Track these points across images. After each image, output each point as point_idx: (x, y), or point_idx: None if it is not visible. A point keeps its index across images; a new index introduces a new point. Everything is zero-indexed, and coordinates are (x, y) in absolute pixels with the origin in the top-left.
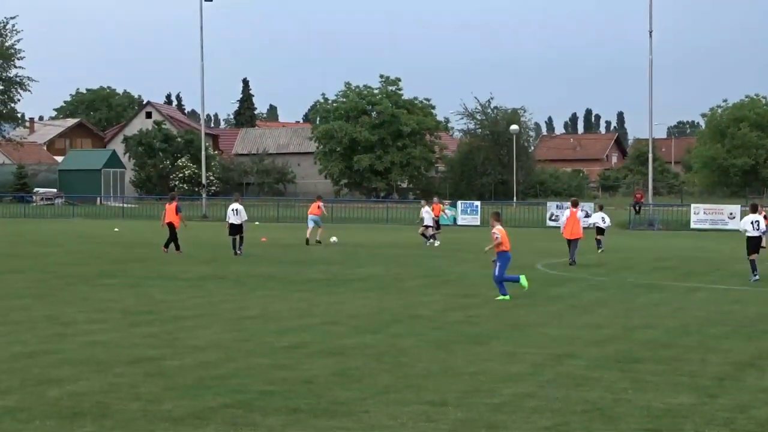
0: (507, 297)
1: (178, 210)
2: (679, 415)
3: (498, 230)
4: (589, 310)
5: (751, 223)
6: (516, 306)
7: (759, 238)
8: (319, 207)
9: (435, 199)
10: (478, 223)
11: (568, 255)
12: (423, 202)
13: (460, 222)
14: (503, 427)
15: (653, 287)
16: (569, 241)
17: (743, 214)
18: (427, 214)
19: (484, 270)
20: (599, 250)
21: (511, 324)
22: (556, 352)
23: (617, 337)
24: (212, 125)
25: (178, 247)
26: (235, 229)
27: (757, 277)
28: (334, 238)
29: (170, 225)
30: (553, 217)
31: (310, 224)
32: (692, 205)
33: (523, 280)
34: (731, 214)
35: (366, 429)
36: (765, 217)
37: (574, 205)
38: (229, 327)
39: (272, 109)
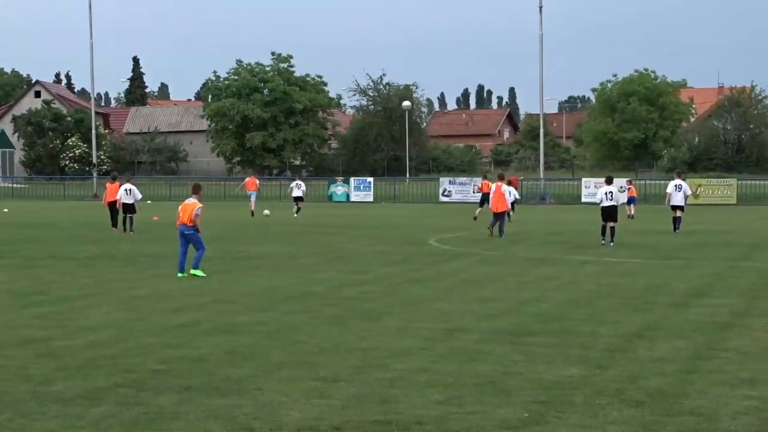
0: None
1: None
2: (570, 387)
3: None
4: (481, 284)
5: (605, 194)
6: (408, 281)
7: (613, 207)
8: (255, 183)
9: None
10: (371, 200)
11: (490, 224)
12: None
13: (353, 198)
14: (396, 401)
15: (544, 261)
16: (494, 214)
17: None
18: (297, 188)
19: (378, 246)
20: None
21: (404, 299)
22: (449, 327)
23: (509, 310)
24: (103, 104)
25: (115, 225)
26: (128, 209)
27: (611, 243)
28: (266, 211)
29: (111, 204)
30: (446, 193)
31: (253, 198)
32: (583, 179)
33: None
34: (622, 187)
35: (259, 406)
36: (629, 190)
37: (500, 179)
38: (121, 307)
39: (163, 87)
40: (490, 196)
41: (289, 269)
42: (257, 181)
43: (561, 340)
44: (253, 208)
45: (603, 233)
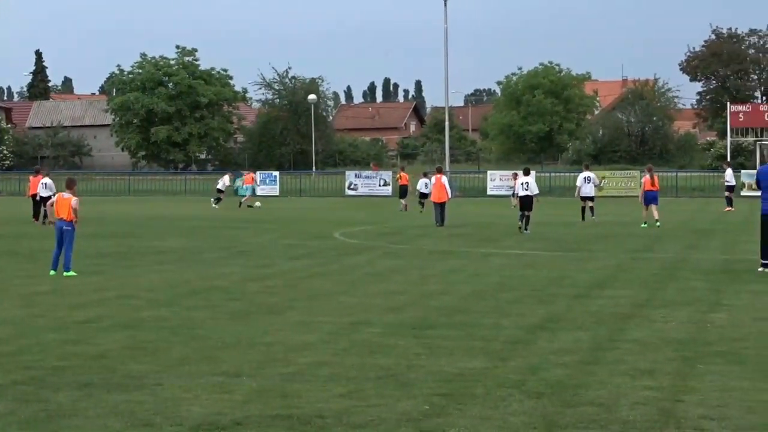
0: None
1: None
2: (471, 379)
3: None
4: (385, 277)
5: (521, 184)
6: (312, 275)
7: (528, 197)
8: (252, 178)
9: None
10: (277, 194)
11: (434, 217)
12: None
13: (259, 192)
14: (297, 395)
15: (449, 254)
16: (435, 204)
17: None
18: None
19: (283, 240)
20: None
21: (307, 293)
22: (352, 320)
23: (412, 303)
24: (5, 98)
25: (36, 217)
26: (45, 201)
27: (526, 230)
28: (258, 203)
29: (34, 197)
30: (352, 186)
31: (248, 192)
32: (489, 172)
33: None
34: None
35: (159, 402)
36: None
37: (439, 171)
38: (21, 303)
39: (67, 81)
40: (431, 187)
41: (193, 264)
42: (255, 177)
43: (464, 333)
44: (244, 200)
45: (521, 220)
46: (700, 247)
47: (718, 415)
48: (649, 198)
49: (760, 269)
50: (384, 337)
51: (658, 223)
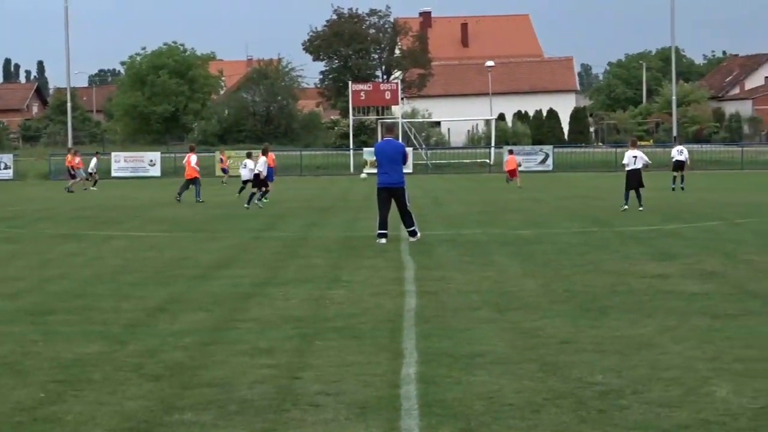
0: None
1: None
2: (89, 364)
3: None
4: (2, 263)
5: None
6: None
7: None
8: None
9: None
10: None
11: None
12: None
13: None
14: None
15: (70, 237)
16: (187, 182)
17: (163, 161)
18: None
19: None
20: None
21: None
22: None
23: (30, 289)
24: None
25: None
26: None
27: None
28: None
29: None
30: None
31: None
32: (113, 153)
33: None
34: (151, 161)
35: None
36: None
37: (191, 150)
38: None
39: None
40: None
41: None
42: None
43: (83, 317)
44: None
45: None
46: (322, 224)
47: (334, 390)
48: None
49: (379, 240)
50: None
51: None
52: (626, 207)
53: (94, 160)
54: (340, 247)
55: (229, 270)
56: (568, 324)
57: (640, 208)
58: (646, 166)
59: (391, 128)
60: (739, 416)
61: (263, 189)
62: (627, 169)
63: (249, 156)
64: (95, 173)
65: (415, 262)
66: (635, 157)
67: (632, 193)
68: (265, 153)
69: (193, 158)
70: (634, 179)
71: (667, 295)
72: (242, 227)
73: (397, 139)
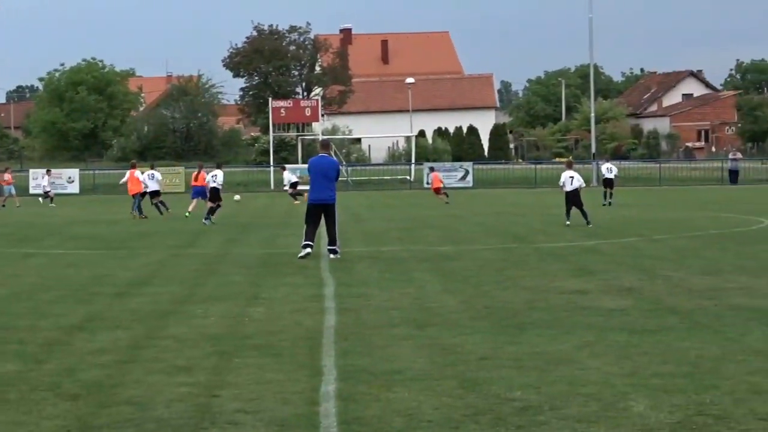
0: None
1: None
2: (4, 384)
3: None
4: None
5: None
6: None
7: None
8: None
9: None
10: None
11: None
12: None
13: None
14: None
15: None
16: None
17: (82, 179)
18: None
19: None
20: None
21: None
22: None
23: None
24: None
25: None
26: None
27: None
28: (237, 197)
29: None
30: None
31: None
32: (31, 170)
33: None
34: (70, 178)
35: None
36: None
37: (133, 166)
38: None
39: None
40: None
41: None
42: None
43: None
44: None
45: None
46: (241, 241)
47: (253, 408)
48: None
49: (302, 252)
50: None
51: None
52: (568, 223)
53: (46, 178)
54: (259, 264)
55: (148, 287)
56: (488, 340)
57: (589, 225)
58: (580, 187)
59: (326, 144)
60: (657, 431)
61: (217, 204)
62: (565, 190)
63: (152, 167)
64: (50, 191)
65: (335, 279)
66: (572, 177)
67: (575, 209)
68: (201, 169)
69: (137, 173)
70: (573, 199)
71: (585, 311)
72: (162, 244)
73: (333, 156)
